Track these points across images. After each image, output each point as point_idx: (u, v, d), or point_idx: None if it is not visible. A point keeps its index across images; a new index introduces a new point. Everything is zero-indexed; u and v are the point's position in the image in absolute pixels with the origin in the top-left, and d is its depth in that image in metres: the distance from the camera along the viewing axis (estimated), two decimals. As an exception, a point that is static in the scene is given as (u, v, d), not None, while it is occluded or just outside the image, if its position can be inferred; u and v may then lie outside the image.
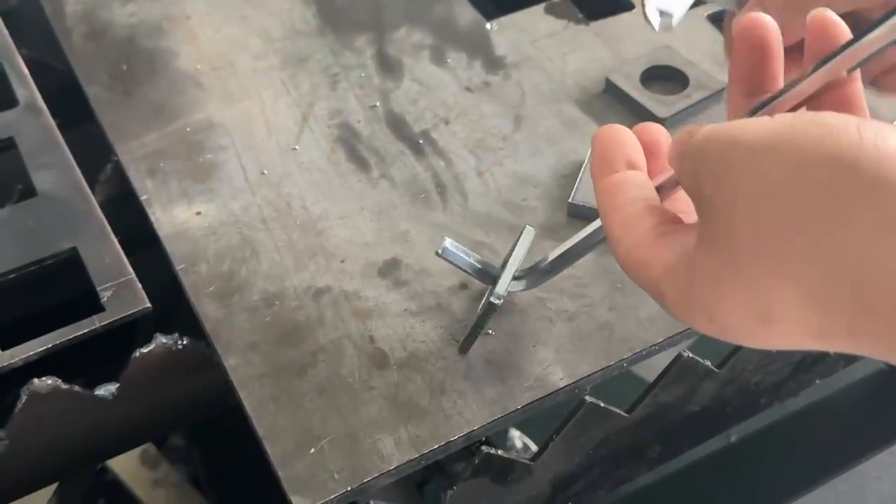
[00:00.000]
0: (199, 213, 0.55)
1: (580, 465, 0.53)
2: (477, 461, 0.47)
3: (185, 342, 0.51)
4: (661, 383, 0.51)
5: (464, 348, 0.49)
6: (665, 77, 0.63)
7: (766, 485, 0.59)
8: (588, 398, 0.49)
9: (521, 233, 0.49)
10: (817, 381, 0.61)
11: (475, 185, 0.57)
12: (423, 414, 0.47)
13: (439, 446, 0.46)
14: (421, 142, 0.60)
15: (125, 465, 0.80)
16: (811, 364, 0.58)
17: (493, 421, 0.47)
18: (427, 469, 0.52)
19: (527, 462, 0.50)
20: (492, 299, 0.46)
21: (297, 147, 0.59)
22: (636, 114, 0.60)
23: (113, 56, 0.65)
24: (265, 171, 0.58)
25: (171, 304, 0.55)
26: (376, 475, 0.45)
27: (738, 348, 0.53)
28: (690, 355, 0.50)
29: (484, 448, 0.47)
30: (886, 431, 0.58)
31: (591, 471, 0.54)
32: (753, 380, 0.56)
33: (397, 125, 0.61)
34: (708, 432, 0.58)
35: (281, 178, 0.57)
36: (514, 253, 0.48)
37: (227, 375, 0.48)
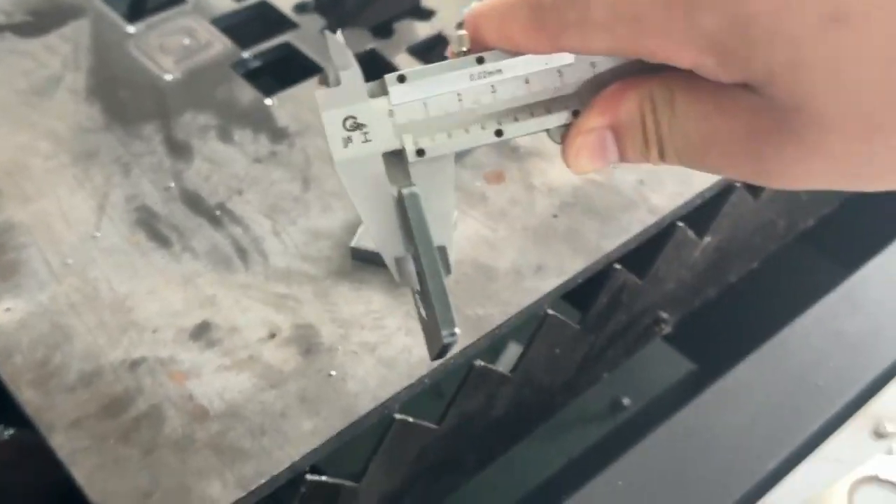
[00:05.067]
0: (8, 310, 0.58)
1: (403, 482, 0.58)
2: (303, 490, 0.51)
3: (11, 431, 0.53)
4: (460, 393, 0.56)
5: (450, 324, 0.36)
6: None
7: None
8: (398, 416, 0.54)
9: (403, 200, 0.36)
10: (605, 375, 0.69)
11: (273, 244, 0.62)
12: (246, 455, 0.51)
13: (265, 482, 0.50)
14: (218, 213, 0.64)
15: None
16: (593, 361, 0.65)
17: (312, 451, 0.51)
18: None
19: (352, 485, 0.54)
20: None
21: (97, 234, 0.62)
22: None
23: None
24: (69, 261, 0.61)
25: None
26: (209, 518, 0.48)
27: (524, 352, 0.59)
28: (482, 364, 0.56)
29: (308, 476, 0.51)
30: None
31: (415, 486, 0.59)
32: (546, 381, 0.63)
33: (193, 201, 0.65)
34: (516, 436, 0.65)
35: (85, 265, 0.60)
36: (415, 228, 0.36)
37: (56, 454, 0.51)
